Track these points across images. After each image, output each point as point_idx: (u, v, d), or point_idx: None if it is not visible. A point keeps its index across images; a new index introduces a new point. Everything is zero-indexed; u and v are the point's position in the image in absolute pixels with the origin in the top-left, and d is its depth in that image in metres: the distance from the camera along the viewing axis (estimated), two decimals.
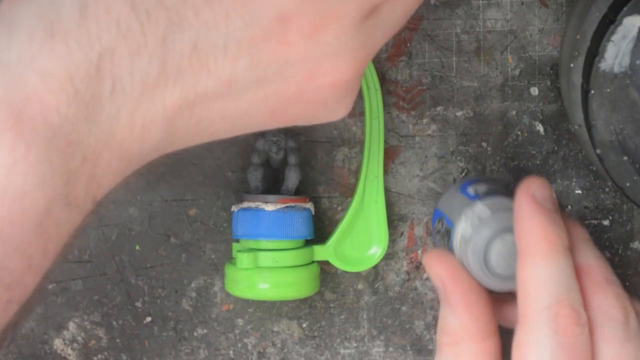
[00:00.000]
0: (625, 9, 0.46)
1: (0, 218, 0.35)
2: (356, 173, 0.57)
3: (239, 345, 0.57)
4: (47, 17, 0.36)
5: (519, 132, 0.56)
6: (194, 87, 0.38)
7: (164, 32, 0.37)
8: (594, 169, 0.56)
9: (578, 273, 0.47)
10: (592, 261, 0.48)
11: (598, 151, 0.48)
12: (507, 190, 0.53)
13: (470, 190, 0.51)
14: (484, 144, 0.56)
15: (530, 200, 0.47)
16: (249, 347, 0.57)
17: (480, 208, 0.50)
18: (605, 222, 0.57)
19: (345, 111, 0.43)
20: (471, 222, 0.50)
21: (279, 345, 0.57)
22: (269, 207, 0.54)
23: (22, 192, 0.35)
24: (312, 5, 0.38)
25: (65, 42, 0.36)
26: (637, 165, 0.48)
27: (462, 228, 0.50)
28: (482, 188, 0.52)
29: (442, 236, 0.53)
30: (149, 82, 0.37)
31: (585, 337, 0.45)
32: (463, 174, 0.56)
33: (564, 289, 0.45)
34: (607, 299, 0.46)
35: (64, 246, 0.38)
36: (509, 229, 0.48)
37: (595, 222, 0.57)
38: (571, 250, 0.47)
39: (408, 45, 0.56)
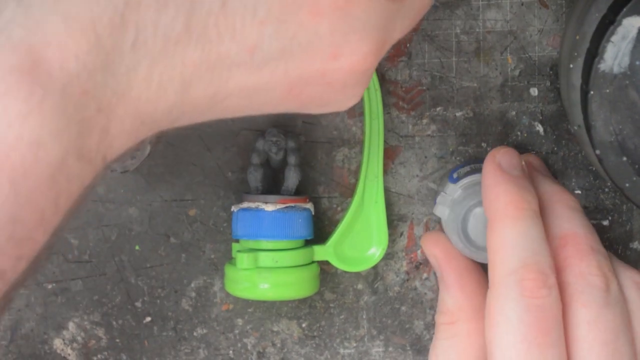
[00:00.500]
0: (624, 9, 0.46)
1: (14, 168, 0.33)
2: (356, 173, 0.57)
3: (239, 345, 0.57)
4: None
5: (519, 133, 0.56)
6: (216, 48, 0.37)
7: None
8: (594, 169, 0.56)
9: (563, 240, 0.47)
10: (578, 229, 0.48)
11: (597, 152, 0.48)
12: None
13: (455, 175, 0.53)
14: (484, 145, 0.56)
15: (495, 168, 0.48)
16: (249, 347, 0.57)
17: (452, 189, 0.52)
18: (605, 223, 0.57)
19: (356, 100, 0.42)
20: (448, 205, 0.52)
21: (278, 345, 0.57)
22: (269, 208, 0.54)
23: (36, 141, 0.33)
24: None
25: None
26: (637, 166, 0.48)
27: (440, 211, 0.53)
28: (464, 170, 0.54)
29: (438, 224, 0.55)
30: (172, 37, 0.36)
31: (552, 299, 0.45)
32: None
33: (530, 253, 0.45)
34: (589, 266, 0.47)
35: (74, 205, 0.37)
36: (480, 204, 0.51)
37: (594, 222, 0.57)
38: (557, 217, 0.48)
39: (408, 45, 0.56)
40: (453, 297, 0.50)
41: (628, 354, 0.46)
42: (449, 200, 0.52)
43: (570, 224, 0.48)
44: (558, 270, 0.47)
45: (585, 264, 0.47)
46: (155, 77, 0.36)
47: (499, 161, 0.49)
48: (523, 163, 0.49)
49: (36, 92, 0.33)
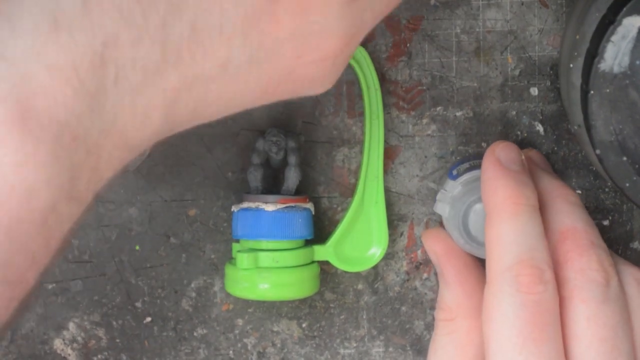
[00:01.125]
0: (624, 9, 0.46)
1: (8, 216, 0.34)
2: (356, 173, 0.57)
3: (239, 345, 0.57)
4: (50, 9, 0.35)
5: (519, 133, 0.56)
6: (192, 70, 0.38)
7: (164, 15, 0.37)
8: (594, 169, 0.56)
9: (563, 235, 0.47)
10: (579, 224, 0.48)
11: (597, 151, 0.48)
12: None
13: (454, 171, 0.53)
14: (484, 144, 0.56)
15: (494, 163, 0.48)
16: (249, 347, 0.57)
17: (452, 185, 0.52)
18: (605, 222, 0.57)
19: (329, 85, 0.43)
20: (448, 202, 0.52)
21: (278, 345, 0.57)
22: (269, 207, 0.54)
23: (30, 190, 0.34)
24: None
25: (70, 32, 0.35)
26: (637, 166, 0.48)
27: (441, 209, 0.53)
28: (464, 167, 0.54)
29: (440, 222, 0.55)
30: (150, 68, 0.37)
31: (549, 295, 0.45)
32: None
33: (526, 248, 0.45)
34: (589, 262, 0.47)
35: (63, 242, 0.38)
36: (480, 199, 0.51)
37: (595, 222, 0.57)
38: (557, 212, 0.48)
39: (408, 45, 0.56)
40: (452, 293, 0.50)
41: (627, 350, 0.46)
42: (449, 197, 0.52)
43: (570, 219, 0.48)
44: (558, 266, 0.47)
45: (585, 259, 0.47)
46: (139, 108, 0.37)
47: (498, 155, 0.49)
48: (523, 158, 0.50)
49: (28, 142, 0.34)
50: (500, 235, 0.46)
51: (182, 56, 0.37)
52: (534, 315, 0.44)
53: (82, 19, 0.35)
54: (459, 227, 0.52)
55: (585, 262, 0.47)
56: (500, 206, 0.47)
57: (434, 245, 0.52)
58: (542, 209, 0.48)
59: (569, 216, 0.48)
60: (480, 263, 0.52)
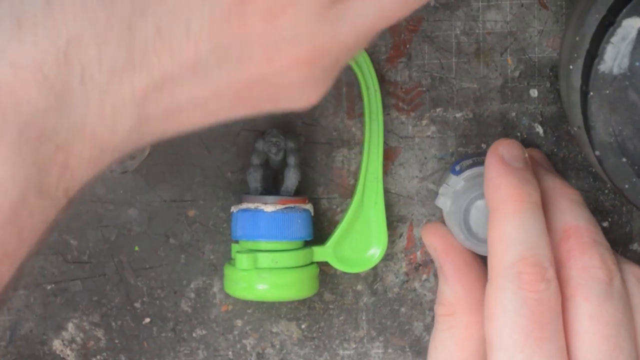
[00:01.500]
0: (624, 10, 0.46)
1: None
2: (355, 174, 0.57)
3: (238, 346, 0.57)
4: (13, 8, 0.36)
5: (519, 134, 0.56)
6: (160, 71, 0.38)
7: (129, 17, 0.37)
8: (593, 170, 0.56)
9: (566, 233, 0.47)
10: (581, 222, 0.48)
11: (597, 153, 0.48)
12: None
13: (457, 167, 0.53)
14: (484, 146, 0.56)
15: (497, 160, 0.48)
16: (248, 348, 0.57)
17: (454, 180, 0.52)
18: (605, 224, 0.57)
19: (309, 99, 0.42)
20: (450, 196, 0.52)
21: (278, 346, 0.57)
22: (268, 208, 0.54)
23: None
24: None
25: (33, 31, 0.36)
26: (636, 167, 0.48)
27: (442, 203, 0.53)
28: (466, 163, 0.54)
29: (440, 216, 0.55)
30: (117, 68, 0.37)
31: (551, 293, 0.45)
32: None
33: (528, 246, 0.46)
34: (592, 259, 0.47)
35: (40, 238, 0.39)
36: (482, 196, 0.51)
37: None
38: (560, 211, 0.48)
39: (407, 46, 0.56)
40: (452, 288, 0.51)
41: (629, 349, 0.46)
42: (451, 191, 0.52)
43: (573, 217, 0.48)
44: (560, 264, 0.47)
45: (587, 256, 0.47)
46: (107, 108, 0.38)
47: (502, 153, 0.49)
48: (526, 155, 0.50)
49: None
50: (503, 233, 0.46)
51: (148, 57, 0.38)
52: (536, 313, 0.44)
53: (45, 18, 0.36)
54: (460, 223, 0.52)
55: (587, 259, 0.47)
56: (503, 203, 0.47)
57: (434, 240, 0.52)
58: (545, 207, 0.48)
59: (572, 214, 0.48)
60: (480, 260, 0.52)
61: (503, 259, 0.46)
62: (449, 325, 0.51)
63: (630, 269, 0.49)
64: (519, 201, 0.46)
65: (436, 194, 0.55)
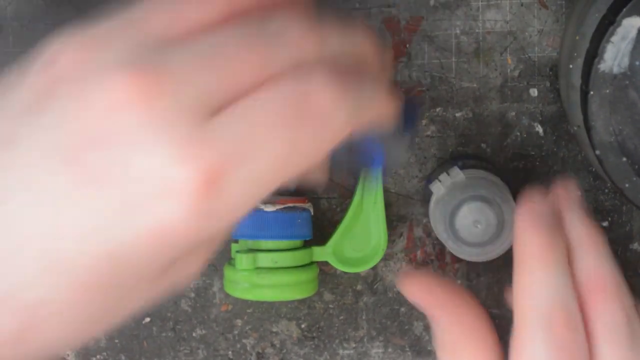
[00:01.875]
0: (624, 10, 0.46)
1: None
2: (355, 174, 0.57)
3: (238, 345, 0.57)
4: None
5: (518, 133, 0.56)
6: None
7: None
8: (593, 170, 0.56)
9: (586, 279, 0.47)
10: (602, 269, 0.48)
11: (597, 152, 0.48)
12: (497, 170, 0.55)
13: (460, 163, 0.53)
14: (483, 145, 0.56)
15: (530, 212, 0.47)
16: (248, 348, 0.57)
17: (456, 172, 0.52)
18: (605, 224, 0.57)
19: (192, 270, 0.39)
20: (446, 185, 0.52)
21: (277, 345, 0.57)
22: (268, 208, 0.54)
23: None
24: None
25: None
26: (637, 166, 0.48)
27: (437, 188, 0.53)
28: (470, 162, 0.54)
29: (425, 199, 0.55)
30: None
31: (580, 341, 0.45)
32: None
33: (558, 297, 0.45)
34: (613, 308, 0.46)
35: None
36: (479, 197, 0.51)
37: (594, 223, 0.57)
38: (583, 255, 0.48)
39: (407, 46, 0.56)
40: (448, 331, 0.49)
41: None
42: (450, 182, 0.52)
43: (592, 263, 0.48)
44: (584, 313, 0.47)
45: (609, 305, 0.47)
46: None
47: (535, 202, 0.48)
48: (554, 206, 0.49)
49: None
50: (533, 284, 0.46)
51: None
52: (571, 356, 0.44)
53: None
54: (445, 217, 0.52)
55: (609, 307, 0.46)
56: (531, 256, 0.46)
57: (416, 293, 0.49)
58: (569, 254, 0.48)
59: (593, 260, 0.48)
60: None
61: (533, 309, 0.45)
62: None
63: None
64: (547, 258, 0.46)
65: (429, 181, 0.55)
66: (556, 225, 0.48)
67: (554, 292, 0.46)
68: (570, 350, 0.45)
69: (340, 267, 0.56)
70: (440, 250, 0.57)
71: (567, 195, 0.52)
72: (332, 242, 0.56)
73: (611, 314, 0.47)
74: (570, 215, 0.50)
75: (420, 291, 0.49)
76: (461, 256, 0.53)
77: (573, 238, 0.49)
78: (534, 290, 0.46)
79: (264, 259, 0.53)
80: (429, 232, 0.57)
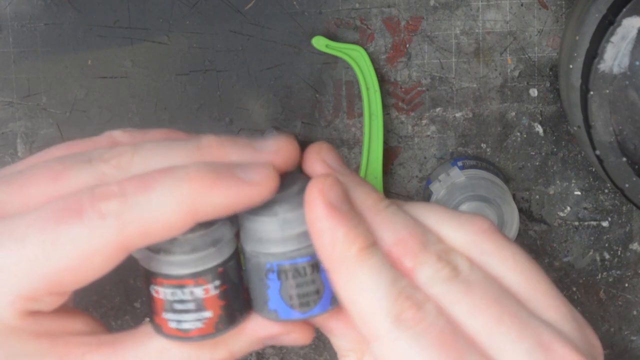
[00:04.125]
0: (624, 10, 0.46)
1: None
2: None
3: None
4: None
5: (518, 133, 0.56)
6: None
7: None
8: (593, 170, 0.56)
9: (395, 252, 0.42)
10: (402, 232, 0.42)
11: (597, 152, 0.48)
12: (497, 171, 0.55)
13: (460, 163, 0.53)
14: (483, 145, 0.56)
15: (323, 207, 0.41)
16: None
17: (456, 172, 0.53)
18: (605, 224, 0.57)
19: None
20: (446, 185, 0.52)
21: (277, 345, 0.57)
22: None
23: None
24: None
25: None
26: (636, 166, 0.48)
27: (437, 189, 0.53)
28: (470, 162, 0.54)
29: (425, 199, 0.55)
30: None
31: (433, 312, 0.40)
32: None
33: (389, 285, 0.41)
34: (430, 264, 0.42)
35: None
36: (478, 197, 0.51)
37: (594, 223, 0.57)
38: (378, 227, 0.42)
39: (407, 46, 0.56)
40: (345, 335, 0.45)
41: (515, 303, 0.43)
42: (450, 182, 0.52)
43: (390, 231, 0.43)
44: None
45: (426, 265, 0.41)
46: None
47: (327, 196, 0.42)
48: (343, 192, 0.43)
49: None
50: (359, 288, 0.41)
51: None
52: (441, 341, 0.41)
53: None
54: None
55: (427, 267, 0.41)
56: (340, 258, 0.41)
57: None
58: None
59: (389, 229, 0.43)
60: None
61: (376, 313, 0.41)
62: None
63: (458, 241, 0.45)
64: (361, 249, 0.41)
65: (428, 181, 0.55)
66: (351, 214, 0.42)
67: (384, 284, 0.41)
68: (433, 326, 0.41)
69: None
70: None
71: (327, 153, 0.45)
72: None
73: (437, 269, 0.42)
74: (347, 181, 0.44)
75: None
76: None
77: (359, 203, 0.43)
78: (363, 293, 0.41)
79: None
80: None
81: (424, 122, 0.56)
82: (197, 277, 0.41)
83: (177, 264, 0.41)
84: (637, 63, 0.47)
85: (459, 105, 0.56)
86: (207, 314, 0.41)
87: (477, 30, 0.56)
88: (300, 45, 0.55)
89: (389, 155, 0.56)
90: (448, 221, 0.43)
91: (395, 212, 0.43)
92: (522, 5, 0.56)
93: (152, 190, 0.40)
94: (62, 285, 0.40)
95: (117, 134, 0.44)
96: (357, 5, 0.55)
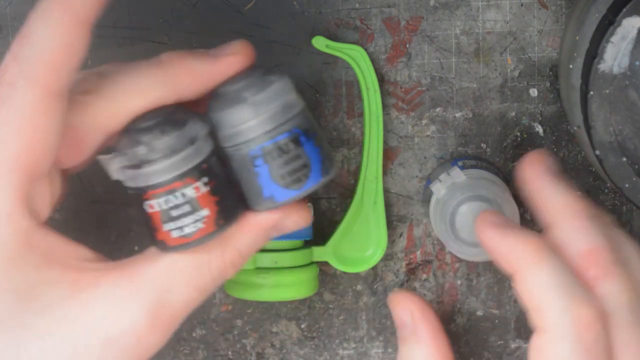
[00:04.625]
0: (624, 10, 0.46)
1: None
2: (355, 174, 0.57)
3: (238, 345, 0.57)
4: None
5: (518, 133, 0.56)
6: None
7: None
8: (593, 170, 0.56)
9: (586, 259, 0.45)
10: (598, 243, 0.46)
11: (597, 152, 0.48)
12: (497, 170, 0.55)
13: (460, 163, 0.54)
14: (483, 145, 0.56)
15: (491, 226, 0.46)
16: (248, 348, 0.57)
17: (457, 172, 0.52)
18: None
19: None
20: (446, 185, 0.52)
21: (277, 346, 0.57)
22: None
23: None
24: None
25: None
26: (636, 167, 0.48)
27: (437, 189, 0.53)
28: (470, 162, 0.54)
29: (425, 200, 0.55)
30: None
31: (603, 329, 0.43)
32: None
33: (570, 287, 0.43)
34: (616, 283, 0.44)
35: None
36: (479, 197, 0.51)
37: None
38: (574, 233, 0.46)
39: (407, 46, 0.56)
40: (427, 353, 0.49)
41: None
42: (450, 182, 0.52)
43: (588, 239, 0.46)
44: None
45: (610, 280, 0.45)
46: None
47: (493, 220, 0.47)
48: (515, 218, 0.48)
49: None
50: (539, 283, 0.44)
51: None
52: (596, 353, 0.43)
53: None
54: (446, 214, 0.52)
55: (611, 283, 0.44)
56: (528, 258, 0.44)
57: (411, 305, 0.50)
58: (557, 229, 0.47)
59: (587, 235, 0.46)
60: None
61: (551, 308, 0.43)
62: None
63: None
64: (539, 249, 0.44)
65: (428, 181, 0.55)
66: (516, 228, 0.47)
67: (563, 283, 0.44)
68: (597, 339, 0.43)
69: (340, 267, 0.56)
70: (440, 250, 0.57)
71: (540, 160, 0.49)
72: (332, 242, 0.56)
73: (620, 290, 0.44)
74: (547, 188, 0.48)
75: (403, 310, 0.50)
76: (461, 256, 0.53)
77: (557, 208, 0.47)
78: (542, 288, 0.44)
79: (264, 259, 0.53)
80: (429, 232, 0.57)
81: (424, 122, 0.56)
82: (184, 178, 0.42)
83: (161, 171, 0.42)
84: (637, 63, 0.47)
85: (459, 105, 0.56)
86: (205, 212, 0.42)
87: (477, 30, 0.56)
88: (300, 45, 0.55)
89: (389, 155, 0.56)
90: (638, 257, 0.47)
91: (595, 221, 0.46)
92: (522, 5, 0.56)
93: (129, 75, 0.43)
94: (36, 158, 0.41)
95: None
96: (357, 5, 0.55)
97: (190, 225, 0.42)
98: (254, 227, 0.44)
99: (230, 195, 0.43)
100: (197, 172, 0.42)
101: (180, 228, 0.42)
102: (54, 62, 0.41)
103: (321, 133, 0.44)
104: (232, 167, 0.43)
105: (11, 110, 0.40)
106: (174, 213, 0.42)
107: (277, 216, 0.44)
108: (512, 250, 0.45)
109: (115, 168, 0.42)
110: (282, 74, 0.44)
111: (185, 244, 0.42)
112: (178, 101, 0.43)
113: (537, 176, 0.48)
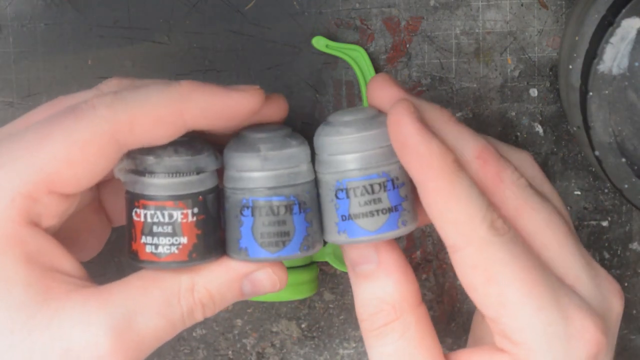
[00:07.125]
0: (624, 10, 0.46)
1: None
2: None
3: (238, 345, 0.57)
4: None
5: (518, 133, 0.56)
6: None
7: None
8: (593, 170, 0.56)
9: (479, 160, 0.44)
10: (480, 144, 0.45)
11: (596, 152, 0.48)
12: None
13: None
14: None
15: (414, 124, 0.43)
16: (248, 348, 0.57)
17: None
18: (604, 223, 0.57)
19: None
20: None
21: (277, 345, 0.58)
22: None
23: None
24: None
25: None
26: (636, 167, 0.48)
27: None
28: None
29: None
30: None
31: (512, 225, 0.43)
32: None
33: (483, 196, 0.43)
34: (512, 170, 0.44)
35: None
36: None
37: (594, 223, 0.57)
38: (456, 139, 0.44)
39: (407, 46, 0.56)
40: (397, 283, 0.45)
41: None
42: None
43: (471, 141, 0.45)
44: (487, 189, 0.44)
45: (505, 172, 0.44)
46: None
47: (415, 114, 0.44)
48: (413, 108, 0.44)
49: None
50: (460, 195, 0.42)
51: None
52: (524, 251, 0.43)
53: None
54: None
55: (509, 175, 0.44)
56: (441, 167, 0.42)
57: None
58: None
59: (467, 139, 0.45)
60: None
61: (472, 219, 0.42)
62: (398, 334, 0.44)
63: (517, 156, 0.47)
64: (453, 161, 0.43)
65: None
66: (430, 133, 0.43)
67: (472, 192, 0.42)
68: (516, 239, 0.43)
69: (340, 267, 0.56)
70: (440, 250, 0.57)
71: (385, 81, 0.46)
72: None
73: (509, 175, 0.44)
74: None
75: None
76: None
77: (431, 119, 0.45)
78: (459, 200, 0.42)
79: None
80: (429, 232, 0.57)
81: None
82: (177, 200, 0.43)
83: (160, 186, 0.42)
84: (637, 64, 0.47)
85: (459, 105, 0.56)
86: (183, 239, 0.43)
87: (477, 30, 0.56)
88: (300, 45, 0.56)
89: None
90: (501, 144, 0.46)
91: (466, 126, 0.45)
92: (522, 5, 0.56)
93: (143, 88, 0.42)
94: (60, 180, 0.41)
95: (104, 85, 0.46)
96: (357, 5, 0.55)
97: (165, 246, 0.43)
98: (227, 271, 0.44)
99: (213, 235, 0.44)
100: (192, 201, 0.43)
101: (155, 245, 0.43)
102: (143, 123, 0.42)
103: (317, 212, 0.44)
104: (225, 209, 0.44)
105: (80, 126, 0.41)
106: (155, 229, 0.42)
107: (250, 268, 0.44)
108: (432, 155, 0.43)
109: (121, 168, 0.43)
110: (303, 141, 0.45)
111: (154, 262, 0.43)
112: (189, 129, 0.43)
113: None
